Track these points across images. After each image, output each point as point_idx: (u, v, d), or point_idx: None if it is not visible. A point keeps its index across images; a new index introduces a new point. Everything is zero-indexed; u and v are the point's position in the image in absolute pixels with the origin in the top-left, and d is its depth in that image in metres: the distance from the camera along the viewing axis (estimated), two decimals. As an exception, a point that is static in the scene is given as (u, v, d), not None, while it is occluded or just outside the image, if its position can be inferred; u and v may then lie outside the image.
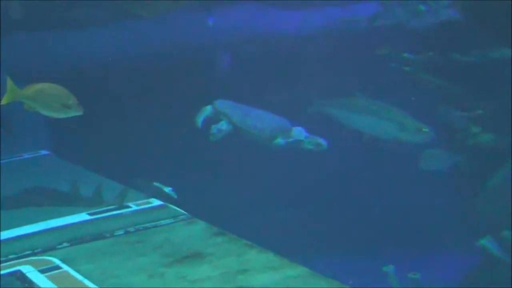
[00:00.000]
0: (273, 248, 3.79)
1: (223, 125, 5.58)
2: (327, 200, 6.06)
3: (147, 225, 4.33)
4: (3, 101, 3.77)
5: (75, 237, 4.21)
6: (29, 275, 3.71)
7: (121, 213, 4.57)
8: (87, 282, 3.58)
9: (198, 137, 5.56)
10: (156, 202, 4.73)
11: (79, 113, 3.85)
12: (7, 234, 4.33)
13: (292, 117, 5.77)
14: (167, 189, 4.99)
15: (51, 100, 3.82)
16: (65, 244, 4.10)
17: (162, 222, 4.35)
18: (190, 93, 5.96)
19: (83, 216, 4.54)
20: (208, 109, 5.68)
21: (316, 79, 6.14)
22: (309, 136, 5.65)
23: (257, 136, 5.61)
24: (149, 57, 6.12)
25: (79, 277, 3.65)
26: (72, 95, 3.85)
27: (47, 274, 3.71)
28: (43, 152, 6.25)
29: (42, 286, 3.56)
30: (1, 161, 6.02)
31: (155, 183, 5.10)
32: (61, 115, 3.86)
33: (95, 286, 3.53)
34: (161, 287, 3.49)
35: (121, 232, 4.25)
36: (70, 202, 4.75)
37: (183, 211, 4.50)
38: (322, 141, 5.63)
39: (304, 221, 6.04)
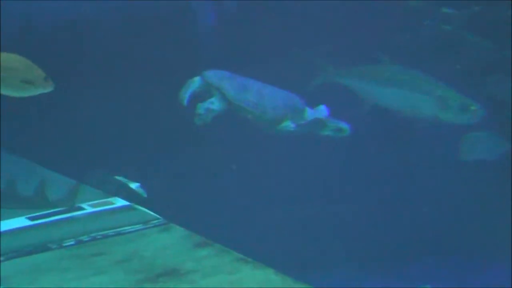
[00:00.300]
0: (273, 263, 3.76)
1: (214, 104, 5.55)
2: (343, 201, 6.09)
3: (107, 232, 4.30)
4: None
5: (10, 248, 4.14)
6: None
7: (71, 217, 4.54)
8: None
9: (176, 118, 5.54)
10: (119, 202, 4.70)
11: (47, 90, 3.89)
12: None
13: (290, 91, 5.75)
14: (134, 185, 4.97)
15: (9, 75, 3.85)
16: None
17: (128, 228, 4.33)
18: (163, 59, 5.92)
19: (21, 221, 4.49)
20: (196, 82, 5.67)
21: (325, 40, 6.11)
22: (330, 118, 5.59)
23: (258, 116, 5.58)
24: (105, 14, 6.09)
25: (16, 302, 3.59)
26: (36, 67, 3.86)
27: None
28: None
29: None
30: None
31: (117, 178, 5.09)
32: (22, 94, 3.89)
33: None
34: (126, 315, 3.43)
35: (71, 242, 4.21)
36: (5, 202, 4.69)
37: (155, 215, 4.47)
38: (344, 125, 5.57)
39: (313, 228, 6.06)
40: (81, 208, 4.62)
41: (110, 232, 4.29)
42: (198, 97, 5.65)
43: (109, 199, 4.73)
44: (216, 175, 6.02)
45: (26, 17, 6.03)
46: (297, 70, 6.04)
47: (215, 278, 3.69)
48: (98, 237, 4.25)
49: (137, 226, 4.35)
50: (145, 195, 4.98)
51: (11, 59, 3.90)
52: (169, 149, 6.05)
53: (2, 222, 4.47)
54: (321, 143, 5.66)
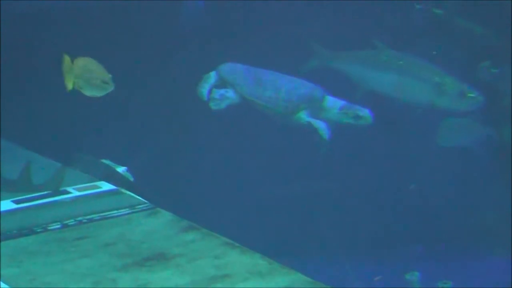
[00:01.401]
0: (260, 248, 3.80)
1: (229, 92, 5.56)
2: (331, 188, 6.12)
3: (93, 216, 4.32)
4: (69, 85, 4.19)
5: (-5, 231, 4.17)
6: None
7: (57, 201, 4.56)
8: (11, 292, 3.55)
9: (162, 102, 5.56)
10: (105, 186, 4.73)
11: (112, 89, 4.21)
12: None
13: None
14: (120, 169, 4.99)
15: (92, 76, 4.20)
16: (-18, 242, 4.07)
17: (114, 213, 4.36)
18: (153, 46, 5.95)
19: (6, 205, 4.51)
20: (212, 76, 5.68)
21: (318, 23, 6.13)
22: (347, 105, 5.54)
23: (272, 110, 5.58)
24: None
25: (1, 284, 3.62)
26: (104, 69, 4.21)
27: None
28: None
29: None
30: None
31: (103, 161, 5.10)
32: (99, 93, 4.24)
33: (23, 297, 3.51)
34: (111, 299, 3.48)
35: (57, 225, 4.24)
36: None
37: (142, 199, 4.50)
38: (365, 112, 5.48)
39: (301, 214, 6.09)
40: (67, 192, 4.64)
41: (96, 216, 4.32)
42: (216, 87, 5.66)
43: (95, 183, 4.76)
44: (204, 160, 6.04)
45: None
46: (290, 54, 6.04)
47: (202, 262, 3.72)
48: (84, 221, 4.28)
49: (124, 210, 4.37)
50: (131, 180, 5.00)
51: (89, 62, 4.21)
52: (156, 133, 6.07)
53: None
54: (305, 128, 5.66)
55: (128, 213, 4.36)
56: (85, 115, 5.96)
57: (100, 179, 4.81)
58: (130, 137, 5.92)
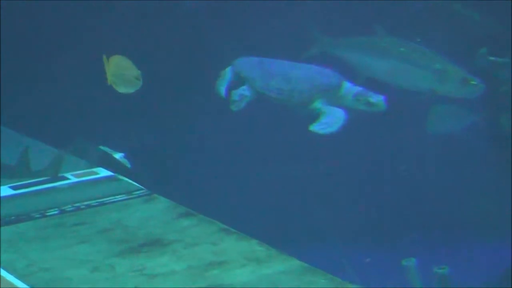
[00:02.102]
0: (257, 235, 3.83)
1: (245, 90, 5.54)
2: (327, 173, 6.12)
3: (91, 202, 4.35)
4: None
5: (-7, 217, 4.21)
6: None
7: (55, 187, 4.59)
8: (8, 277, 3.59)
9: (160, 87, 5.57)
10: (103, 172, 4.75)
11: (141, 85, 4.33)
12: None
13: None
14: (118, 156, 5.02)
15: (126, 73, 4.33)
16: (-21, 227, 4.11)
17: (111, 198, 4.39)
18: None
19: (4, 190, 4.54)
20: (228, 72, 5.65)
21: (318, 9, 6.12)
22: (361, 92, 5.48)
23: (286, 101, 5.53)
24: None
25: (-1, 271, 3.66)
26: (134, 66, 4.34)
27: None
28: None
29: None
30: None
31: (101, 148, 5.12)
32: (131, 90, 4.35)
33: (20, 283, 3.54)
34: (109, 284, 3.51)
35: (54, 211, 4.28)
36: (-14, 172, 4.77)
37: (139, 185, 4.52)
38: (378, 99, 5.43)
39: (297, 200, 6.10)
40: (65, 178, 4.66)
41: (94, 202, 4.35)
42: (234, 86, 5.66)
43: (93, 169, 4.78)
44: (201, 146, 6.04)
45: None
46: (291, 40, 6.03)
47: (199, 248, 3.75)
48: (82, 207, 4.31)
49: (121, 196, 4.40)
50: (129, 166, 5.02)
51: (121, 59, 4.34)
52: (153, 119, 6.08)
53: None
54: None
55: (125, 199, 4.38)
56: (83, 101, 5.98)
57: (98, 165, 4.83)
58: (127, 124, 5.93)
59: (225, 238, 3.84)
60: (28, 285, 3.51)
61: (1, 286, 3.54)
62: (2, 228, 4.12)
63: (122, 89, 4.42)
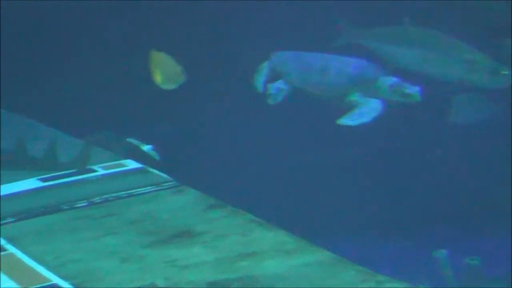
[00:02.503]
0: (286, 226, 3.82)
1: (282, 84, 5.53)
2: (359, 166, 6.10)
3: (120, 194, 4.37)
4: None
5: (22, 209, 4.24)
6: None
7: (83, 179, 4.61)
8: (39, 268, 3.61)
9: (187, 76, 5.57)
10: (131, 164, 4.77)
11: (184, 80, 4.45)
12: None
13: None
14: (146, 148, 5.03)
15: (169, 70, 4.45)
16: (9, 219, 4.14)
17: (140, 190, 4.40)
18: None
19: (33, 183, 4.57)
20: (265, 67, 5.65)
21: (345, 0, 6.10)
22: (397, 83, 5.45)
23: (323, 95, 5.51)
24: None
25: (28, 261, 3.68)
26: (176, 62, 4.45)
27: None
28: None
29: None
30: None
31: (129, 140, 5.14)
32: (174, 86, 4.47)
33: (51, 274, 3.55)
34: (139, 275, 3.50)
35: (83, 203, 4.30)
36: (15, 164, 4.78)
37: (168, 177, 4.53)
38: (414, 90, 5.37)
39: (328, 191, 6.07)
40: (93, 170, 4.68)
41: (123, 193, 4.37)
42: (271, 80, 5.66)
43: (122, 161, 4.80)
44: (231, 138, 6.03)
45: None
46: (318, 32, 6.01)
47: (228, 240, 3.75)
48: (110, 198, 4.33)
49: (150, 188, 4.41)
50: (157, 157, 5.03)
51: (164, 56, 4.45)
52: (181, 111, 6.08)
53: (13, 183, 4.55)
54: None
55: (154, 191, 4.39)
56: (112, 94, 5.99)
57: (126, 158, 4.85)
58: (155, 115, 5.95)
59: (255, 229, 3.84)
60: (58, 276, 3.52)
61: (30, 278, 3.56)
62: (31, 220, 4.15)
63: (165, 85, 4.46)
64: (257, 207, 4.06)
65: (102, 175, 4.65)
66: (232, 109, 6.06)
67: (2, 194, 4.46)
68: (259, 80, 5.67)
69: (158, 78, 4.47)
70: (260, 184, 5.83)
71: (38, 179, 4.61)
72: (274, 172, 6.05)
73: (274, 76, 5.69)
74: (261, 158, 6.06)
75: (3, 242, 3.88)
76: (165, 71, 4.45)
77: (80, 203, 4.30)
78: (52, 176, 4.64)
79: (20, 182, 4.58)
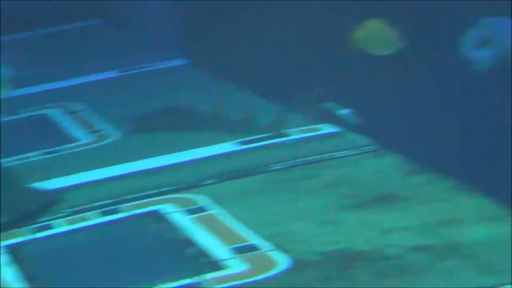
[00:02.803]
0: (489, 193, 3.68)
1: (491, 52, 5.41)
2: None
3: (317, 157, 4.37)
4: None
5: (223, 171, 4.34)
6: (169, 216, 3.86)
7: (280, 142, 4.66)
8: (239, 228, 3.67)
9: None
10: (328, 129, 4.77)
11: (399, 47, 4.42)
12: (137, 165, 4.55)
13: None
14: (344, 112, 4.98)
15: (384, 35, 4.42)
16: (211, 180, 4.24)
17: (338, 154, 4.39)
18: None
19: (232, 145, 4.67)
20: (474, 32, 5.55)
21: None
22: None
23: None
24: None
25: (230, 222, 3.75)
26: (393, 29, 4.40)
27: (191, 216, 3.84)
28: (178, 62, 6.47)
29: (188, 231, 3.68)
30: (132, 71, 6.34)
31: (326, 103, 5.11)
32: (387, 52, 4.44)
33: (251, 233, 3.59)
34: (337, 239, 3.48)
35: (279, 166, 4.34)
36: (212, 126, 4.91)
37: (366, 141, 4.49)
38: None
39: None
40: (289, 134, 4.73)
41: (319, 157, 4.36)
42: (480, 47, 5.52)
43: (317, 125, 4.81)
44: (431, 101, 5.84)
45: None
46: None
47: (429, 206, 3.67)
48: (307, 161, 4.33)
49: (347, 152, 4.39)
50: (355, 121, 4.97)
51: (378, 22, 4.41)
52: (380, 75, 5.97)
53: (214, 145, 4.67)
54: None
55: (352, 155, 4.37)
56: (309, 58, 5.95)
57: (323, 122, 4.84)
58: (353, 79, 5.87)
59: (458, 196, 3.74)
60: (257, 237, 3.56)
61: (231, 237, 3.61)
62: (229, 182, 4.22)
63: (381, 51, 4.41)
64: (460, 173, 3.93)
65: (299, 138, 4.67)
66: (443, 77, 5.87)
67: (203, 156, 4.57)
68: (468, 45, 5.50)
69: (373, 44, 4.41)
70: (465, 149, 5.63)
71: (237, 142, 4.68)
72: (471, 134, 5.80)
73: (484, 42, 5.50)
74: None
75: (204, 202, 3.98)
76: (381, 37, 4.38)
77: (277, 166, 4.34)
78: (250, 139, 4.71)
79: (221, 144, 4.68)
